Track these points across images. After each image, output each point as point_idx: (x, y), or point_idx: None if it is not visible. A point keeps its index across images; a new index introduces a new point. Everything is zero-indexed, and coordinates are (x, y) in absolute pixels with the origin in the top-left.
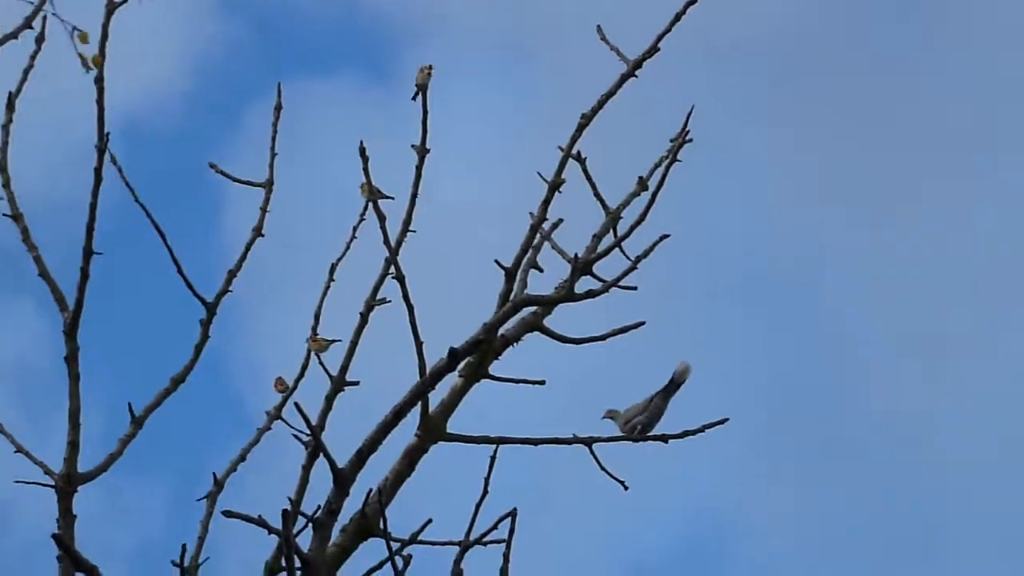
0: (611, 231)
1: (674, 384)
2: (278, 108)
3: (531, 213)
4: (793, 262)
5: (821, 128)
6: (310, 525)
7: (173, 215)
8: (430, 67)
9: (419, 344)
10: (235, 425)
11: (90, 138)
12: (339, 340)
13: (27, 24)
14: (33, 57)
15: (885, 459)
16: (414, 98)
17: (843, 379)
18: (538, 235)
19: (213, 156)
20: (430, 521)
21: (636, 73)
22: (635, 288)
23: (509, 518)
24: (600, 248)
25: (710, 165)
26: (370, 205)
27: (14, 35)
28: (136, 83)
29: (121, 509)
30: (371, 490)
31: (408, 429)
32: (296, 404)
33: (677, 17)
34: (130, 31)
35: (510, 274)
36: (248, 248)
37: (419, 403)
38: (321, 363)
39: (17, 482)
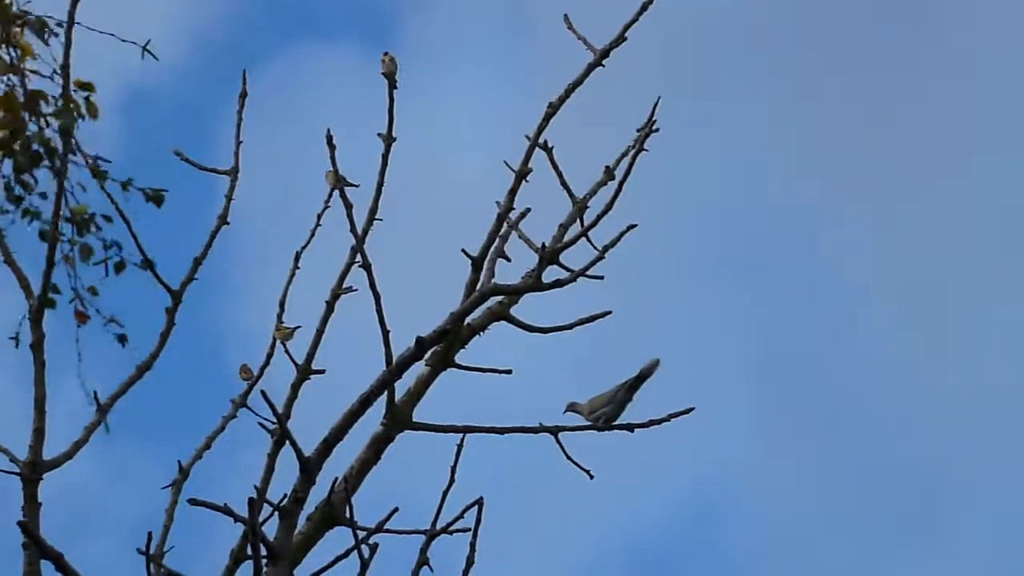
0: (578, 220)
1: (641, 378)
2: (243, 96)
3: (498, 202)
4: (785, 231)
5: (811, 90)
6: (276, 513)
7: (172, 186)
8: (390, 55)
9: (386, 333)
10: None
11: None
12: (300, 327)
13: None
14: None
15: (886, 425)
16: (391, 91)
17: (839, 346)
18: (505, 224)
19: (215, 124)
20: (396, 510)
21: (603, 63)
22: (602, 277)
23: (475, 507)
24: (567, 237)
25: (683, 146)
26: (336, 193)
27: None
28: (138, 52)
29: (127, 479)
30: (337, 478)
31: (374, 418)
32: (262, 392)
33: (644, 7)
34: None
35: (477, 263)
36: (213, 236)
37: (386, 392)
38: (287, 351)
39: None
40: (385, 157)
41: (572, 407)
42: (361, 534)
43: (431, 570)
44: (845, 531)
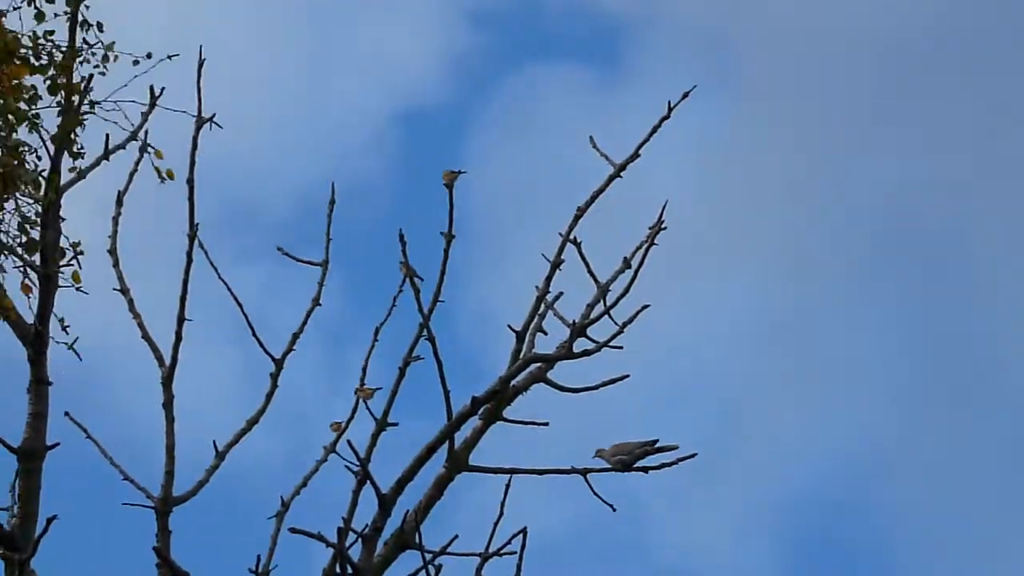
0: (601, 301)
1: (657, 447)
2: (332, 203)
3: (536, 287)
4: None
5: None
6: (359, 540)
7: (422, 189)
8: (451, 172)
9: (447, 393)
10: (468, 373)
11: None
12: (379, 388)
13: (134, 135)
14: (137, 163)
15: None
16: (451, 198)
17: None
18: (543, 305)
19: (464, 133)
20: (456, 537)
21: (621, 174)
22: (621, 348)
23: (520, 535)
24: (592, 315)
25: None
26: (407, 280)
27: (122, 146)
28: (403, 82)
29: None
30: (408, 511)
31: (438, 462)
32: (348, 441)
33: (654, 129)
34: (397, 41)
35: (520, 336)
36: (308, 315)
37: (447, 441)
38: (368, 408)
39: (124, 504)
40: (446, 251)
41: (599, 453)
42: (428, 556)
43: None
44: (984, 497)
